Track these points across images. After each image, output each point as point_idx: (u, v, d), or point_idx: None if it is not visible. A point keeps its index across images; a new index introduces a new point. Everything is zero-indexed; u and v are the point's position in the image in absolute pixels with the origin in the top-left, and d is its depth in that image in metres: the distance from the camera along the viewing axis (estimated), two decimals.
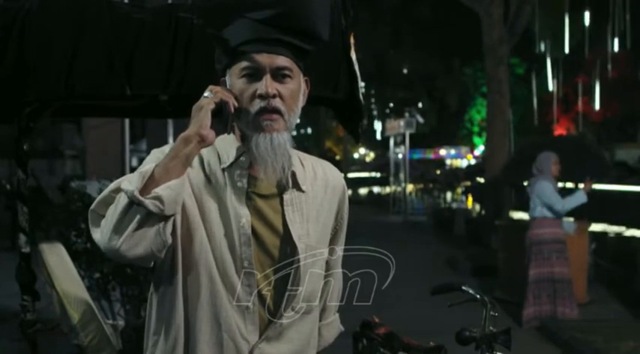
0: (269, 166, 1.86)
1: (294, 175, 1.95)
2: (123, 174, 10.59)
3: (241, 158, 1.91)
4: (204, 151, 1.90)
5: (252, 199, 1.92)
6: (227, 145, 1.94)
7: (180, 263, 1.87)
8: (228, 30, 1.87)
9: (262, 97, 1.84)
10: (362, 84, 3.30)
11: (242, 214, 1.89)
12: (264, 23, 1.84)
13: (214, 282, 1.87)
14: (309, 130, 45.05)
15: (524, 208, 9.02)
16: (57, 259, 3.63)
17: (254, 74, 1.85)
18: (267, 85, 1.84)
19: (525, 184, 8.47)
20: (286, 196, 1.95)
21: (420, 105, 35.45)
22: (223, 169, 1.91)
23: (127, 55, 2.92)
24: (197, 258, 1.87)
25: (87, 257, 5.81)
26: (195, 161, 1.89)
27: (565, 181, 10.30)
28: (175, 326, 1.88)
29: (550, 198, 7.51)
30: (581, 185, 7.94)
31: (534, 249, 7.69)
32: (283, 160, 1.86)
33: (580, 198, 7.53)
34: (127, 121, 11.36)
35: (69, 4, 2.95)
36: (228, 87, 1.90)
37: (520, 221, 8.52)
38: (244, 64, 1.86)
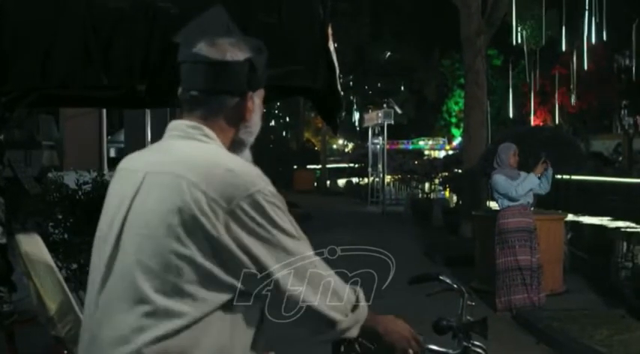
0: None
1: None
2: (100, 165, 10.53)
3: None
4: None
5: None
6: None
7: None
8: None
9: None
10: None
11: None
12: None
13: None
14: (288, 119, 44.74)
15: None
16: (34, 249, 3.60)
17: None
18: None
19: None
20: None
21: (398, 96, 35.44)
22: None
23: (103, 44, 2.90)
24: None
25: (64, 248, 5.77)
26: None
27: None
28: None
29: (503, 188, 7.82)
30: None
31: (498, 239, 7.94)
32: None
33: (531, 180, 7.79)
34: (104, 112, 11.26)
35: None
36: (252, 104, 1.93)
37: (496, 211, 8.62)
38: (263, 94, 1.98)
